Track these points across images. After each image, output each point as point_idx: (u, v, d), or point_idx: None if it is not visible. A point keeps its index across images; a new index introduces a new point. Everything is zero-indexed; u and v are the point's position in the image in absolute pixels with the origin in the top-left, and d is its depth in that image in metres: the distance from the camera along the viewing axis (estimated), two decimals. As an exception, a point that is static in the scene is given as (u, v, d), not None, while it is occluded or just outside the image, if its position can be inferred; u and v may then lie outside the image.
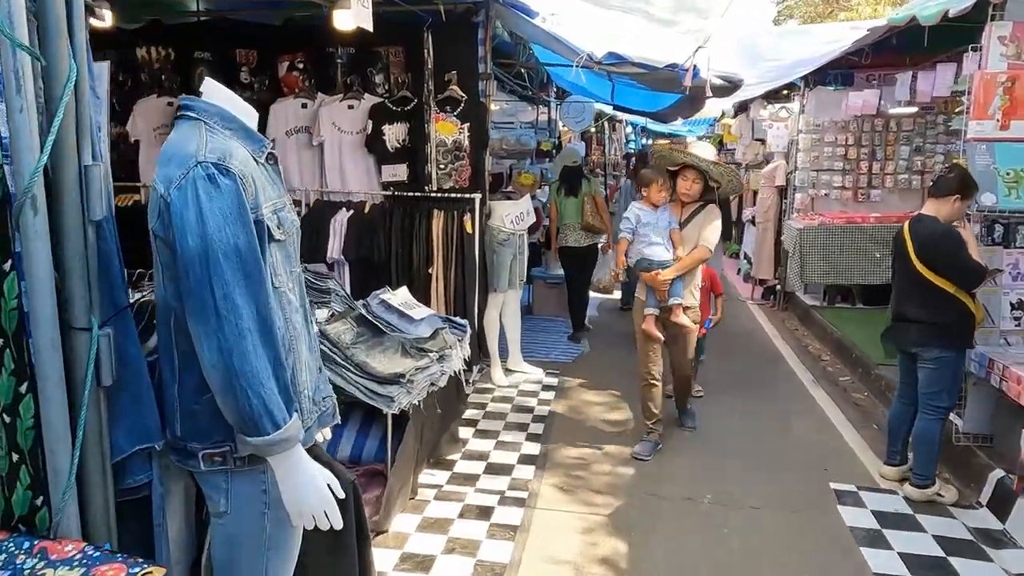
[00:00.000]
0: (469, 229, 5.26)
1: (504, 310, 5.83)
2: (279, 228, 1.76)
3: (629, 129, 20.15)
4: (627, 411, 5.25)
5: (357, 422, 3.75)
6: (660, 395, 4.57)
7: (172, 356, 1.73)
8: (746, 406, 5.41)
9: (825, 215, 7.83)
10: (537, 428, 4.92)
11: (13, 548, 1.47)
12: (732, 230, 11.74)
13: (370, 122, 5.34)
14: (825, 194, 8.15)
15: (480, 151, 5.38)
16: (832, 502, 3.95)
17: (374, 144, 5.39)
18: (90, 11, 1.63)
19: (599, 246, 7.17)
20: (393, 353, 3.66)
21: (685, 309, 4.39)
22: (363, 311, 3.82)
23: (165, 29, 5.69)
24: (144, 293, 2.11)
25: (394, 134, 5.38)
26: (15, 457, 1.52)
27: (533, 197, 6.78)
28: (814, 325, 7.65)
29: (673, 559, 3.41)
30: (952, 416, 4.16)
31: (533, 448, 4.59)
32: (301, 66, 5.55)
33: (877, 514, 3.82)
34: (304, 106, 5.48)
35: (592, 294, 7.52)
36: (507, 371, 5.92)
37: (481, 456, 4.45)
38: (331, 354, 3.39)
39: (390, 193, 5.44)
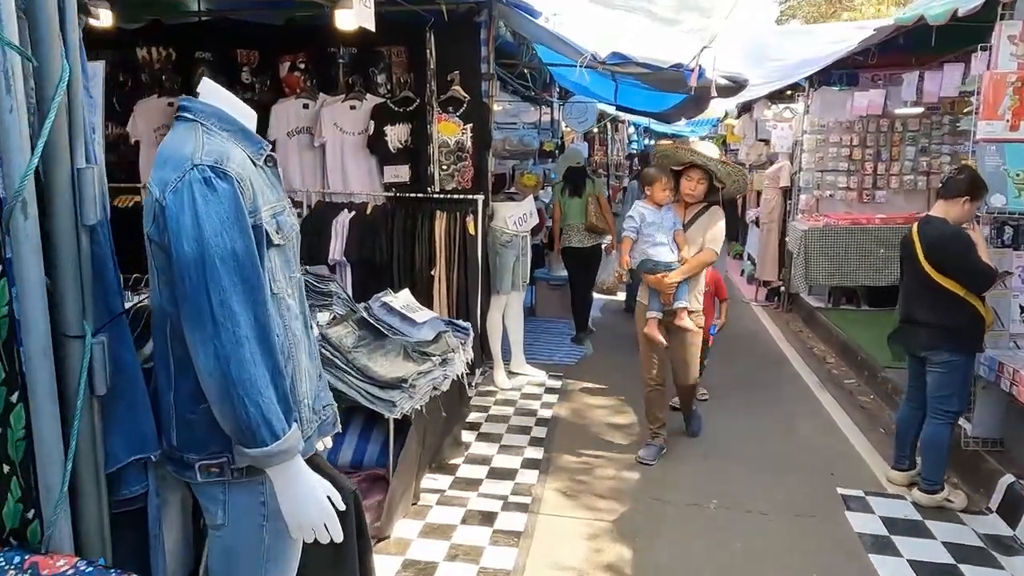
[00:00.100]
0: (472, 230, 5.22)
1: (507, 312, 5.79)
2: (278, 232, 1.71)
3: (631, 130, 20.12)
4: (631, 414, 5.21)
5: (358, 427, 3.71)
6: (664, 399, 4.52)
7: (168, 363, 1.69)
8: (751, 409, 5.36)
9: (830, 216, 7.78)
10: (540, 432, 4.88)
11: (3, 563, 1.43)
12: (738, 230, 11.66)
13: (372, 123, 5.31)
14: (830, 195, 8.10)
15: (483, 152, 5.34)
16: (840, 507, 3.90)
17: (376, 145, 5.36)
18: (84, 10, 1.58)
19: (603, 247, 7.12)
20: (395, 357, 3.62)
21: (689, 313, 4.31)
22: (365, 314, 3.77)
23: (166, 29, 5.66)
24: (142, 298, 2.07)
25: (396, 135, 5.34)
26: (6, 468, 1.47)
27: (536, 198, 6.73)
28: (819, 327, 7.60)
29: (678, 565, 3.37)
30: (961, 420, 4.11)
31: (536, 452, 4.55)
32: (303, 66, 5.52)
33: (885, 520, 3.77)
34: (306, 107, 5.45)
35: (595, 295, 7.47)
36: (510, 374, 5.88)
37: (484, 460, 4.41)
38: (332, 358, 3.35)
39: (392, 194, 5.40)
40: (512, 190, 7.06)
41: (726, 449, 4.64)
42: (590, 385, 5.86)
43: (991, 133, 4.05)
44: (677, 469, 4.37)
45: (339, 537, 1.70)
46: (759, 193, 9.81)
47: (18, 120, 1.39)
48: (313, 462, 1.81)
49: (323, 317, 3.59)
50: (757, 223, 9.51)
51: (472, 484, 4.09)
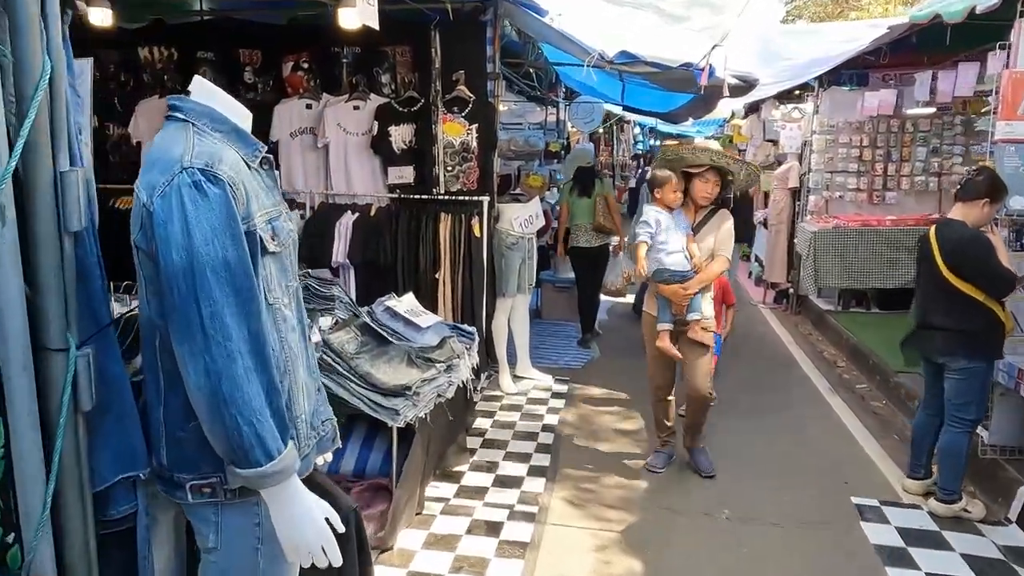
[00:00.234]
0: (477, 232, 5.13)
1: (512, 315, 5.70)
2: (273, 239, 1.62)
3: (637, 130, 20.03)
4: (639, 419, 5.11)
5: (361, 435, 3.63)
6: (673, 408, 4.40)
7: (157, 376, 1.59)
8: (761, 413, 5.26)
9: (840, 217, 7.67)
10: (547, 438, 4.78)
11: (-20, 591, 1.35)
12: (752, 232, 11.46)
13: (376, 123, 5.23)
14: (840, 196, 7.99)
15: (488, 152, 5.26)
16: (854, 517, 3.80)
17: (380, 145, 5.28)
18: (70, 3, 1.49)
19: (611, 247, 7.03)
20: (399, 363, 3.53)
21: (702, 324, 4.10)
22: (368, 319, 3.69)
23: (168, 29, 5.61)
24: (133, 307, 1.98)
25: (400, 135, 5.26)
26: (-16, 490, 1.39)
27: (542, 199, 6.64)
28: (828, 330, 7.49)
29: (690, 579, 3.28)
30: (978, 428, 4.00)
31: (543, 459, 4.45)
32: (306, 66, 5.46)
33: (902, 531, 3.67)
34: (309, 107, 5.38)
35: (602, 297, 7.37)
36: (516, 378, 5.79)
37: (489, 468, 4.31)
38: (334, 364, 3.26)
39: (396, 195, 5.32)
40: (518, 191, 6.99)
41: (737, 456, 4.53)
42: (597, 389, 5.77)
43: (1010, 134, 3.92)
44: (687, 477, 4.27)
45: (337, 561, 1.61)
46: (767, 194, 9.70)
47: (-5, 120, 1.31)
48: (311, 478, 1.72)
49: (325, 322, 3.50)
50: (765, 224, 9.40)
51: (478, 493, 4.00)
